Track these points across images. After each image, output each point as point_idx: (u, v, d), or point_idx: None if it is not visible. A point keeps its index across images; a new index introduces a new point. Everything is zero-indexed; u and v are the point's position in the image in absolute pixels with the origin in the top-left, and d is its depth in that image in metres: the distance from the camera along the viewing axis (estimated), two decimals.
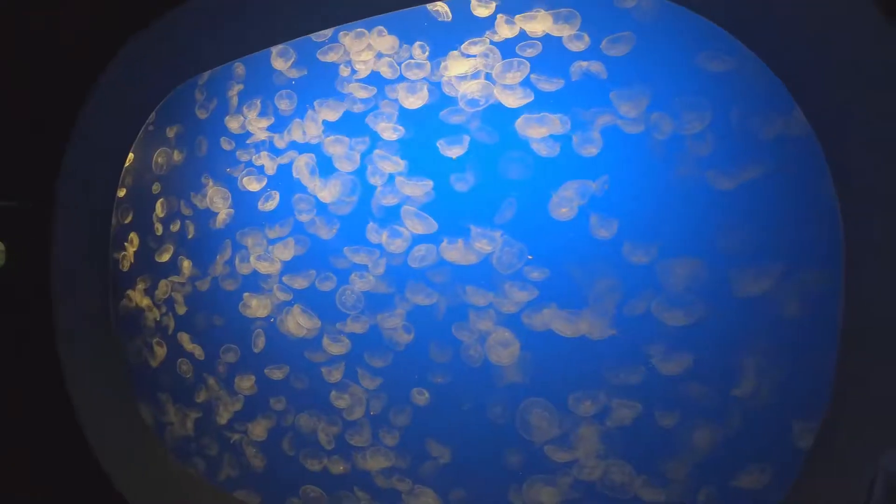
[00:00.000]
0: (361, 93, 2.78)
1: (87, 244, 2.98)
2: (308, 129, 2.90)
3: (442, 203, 2.57)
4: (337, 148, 2.82)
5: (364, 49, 2.78)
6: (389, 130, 2.71)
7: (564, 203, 2.30)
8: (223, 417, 2.91)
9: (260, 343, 2.88)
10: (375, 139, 2.73)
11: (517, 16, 2.46)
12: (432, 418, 2.56)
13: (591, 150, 2.32)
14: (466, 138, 2.48)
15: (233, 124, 3.08)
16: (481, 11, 2.52)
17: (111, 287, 3.03)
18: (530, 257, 2.38)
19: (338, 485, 2.71)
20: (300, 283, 2.84)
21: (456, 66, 2.55)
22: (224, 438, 2.94)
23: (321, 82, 2.89)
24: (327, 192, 2.81)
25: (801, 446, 2.11)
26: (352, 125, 2.80)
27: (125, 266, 3.16)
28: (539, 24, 2.42)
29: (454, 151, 2.48)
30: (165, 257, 3.07)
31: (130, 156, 3.12)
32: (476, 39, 2.53)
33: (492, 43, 2.50)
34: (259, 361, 2.91)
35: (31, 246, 2.74)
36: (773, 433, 2.17)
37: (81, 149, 2.79)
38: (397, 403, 2.65)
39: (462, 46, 2.56)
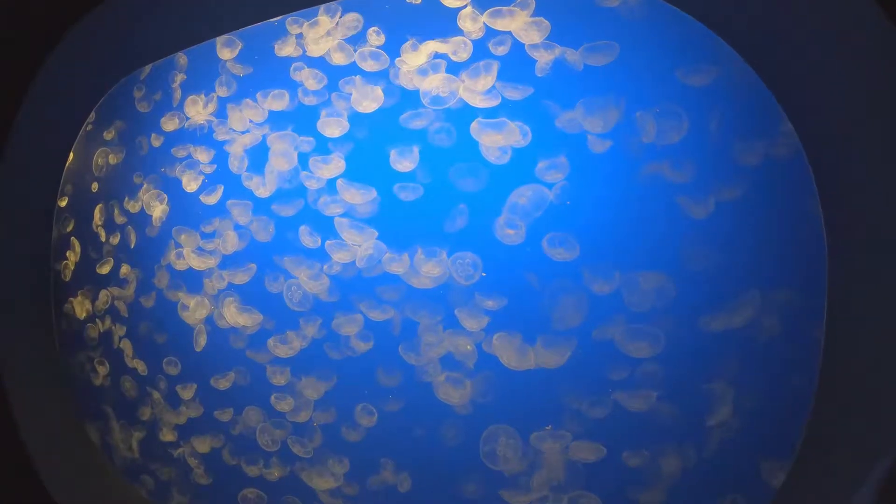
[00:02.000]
0: (312, 84, 2.55)
1: (26, 255, 2.83)
2: (251, 124, 2.69)
3: (386, 213, 2.38)
4: (279, 144, 2.60)
5: (317, 37, 2.54)
6: (337, 128, 2.49)
7: (520, 221, 2.11)
8: (167, 434, 2.78)
9: (202, 343, 2.72)
10: (320, 137, 2.52)
11: (488, 10, 2.22)
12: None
13: (555, 167, 2.12)
14: (417, 149, 2.26)
15: (174, 119, 2.86)
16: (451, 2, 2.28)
17: (52, 299, 2.88)
18: (484, 274, 2.21)
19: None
20: (241, 278, 2.66)
21: (414, 59, 2.32)
22: (170, 455, 2.81)
23: (269, 73, 2.66)
24: (265, 189, 2.61)
25: (772, 484, 1.98)
26: (299, 120, 2.58)
27: (67, 276, 2.98)
28: (511, 22, 2.18)
29: (404, 165, 2.27)
30: (106, 269, 2.89)
31: (70, 157, 2.93)
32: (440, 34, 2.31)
33: (459, 36, 2.28)
34: (202, 370, 2.75)
35: None
36: (742, 468, 2.03)
37: (17, 152, 2.60)
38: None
39: (424, 39, 2.33)
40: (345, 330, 2.42)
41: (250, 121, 2.67)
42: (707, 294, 2.02)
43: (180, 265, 2.78)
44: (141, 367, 2.83)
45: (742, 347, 2.00)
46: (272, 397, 2.56)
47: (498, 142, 2.14)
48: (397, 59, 2.35)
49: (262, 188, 2.60)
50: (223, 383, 2.64)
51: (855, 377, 1.88)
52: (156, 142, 2.89)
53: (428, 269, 2.18)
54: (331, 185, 2.44)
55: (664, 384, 2.04)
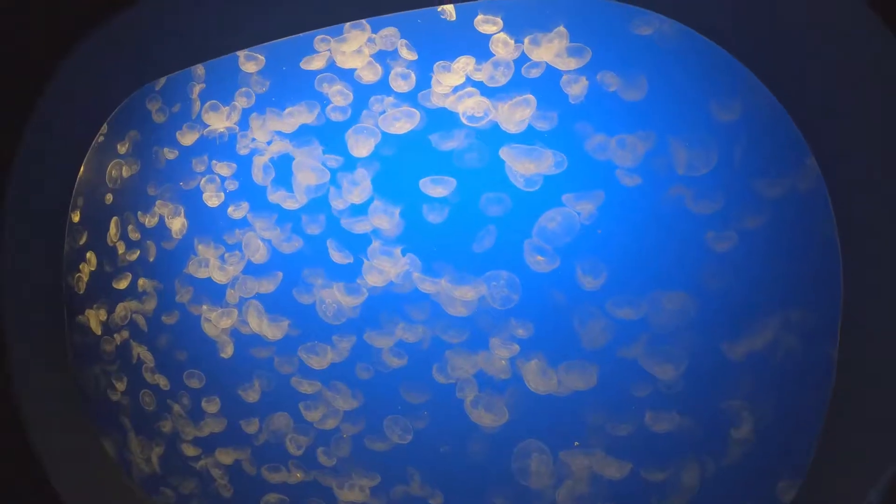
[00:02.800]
0: (339, 100, 2.55)
1: (38, 267, 2.79)
2: (275, 136, 2.68)
3: (414, 235, 2.41)
4: (305, 159, 2.61)
5: (347, 51, 2.53)
6: (365, 147, 2.50)
7: (548, 246, 2.17)
8: (189, 448, 2.79)
9: (229, 352, 2.72)
10: (348, 155, 2.53)
11: (526, 37, 2.24)
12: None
13: (585, 197, 2.18)
14: (453, 182, 2.30)
15: (193, 131, 2.84)
16: (487, 28, 2.30)
17: (66, 313, 2.85)
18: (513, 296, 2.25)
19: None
20: (266, 287, 2.68)
21: (448, 79, 2.34)
22: (191, 468, 2.82)
23: (294, 86, 2.66)
24: (293, 202, 2.62)
25: (784, 500, 2.09)
26: (325, 136, 2.59)
27: (80, 289, 2.95)
28: (546, 51, 2.21)
29: (438, 191, 2.30)
30: (124, 283, 2.87)
31: (82, 169, 2.88)
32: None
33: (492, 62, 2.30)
34: (226, 382, 2.77)
35: None
36: (757, 484, 2.14)
37: (27, 163, 2.56)
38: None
39: (456, 60, 2.35)
40: (378, 343, 2.46)
41: (275, 132, 2.66)
42: (728, 317, 2.11)
43: (201, 276, 2.77)
44: (162, 381, 2.83)
45: (760, 366, 2.10)
46: (300, 405, 2.59)
47: (530, 169, 2.19)
48: (430, 78, 2.37)
49: (289, 201, 2.60)
50: (252, 395, 2.66)
51: (867, 395, 1.99)
52: (173, 154, 2.87)
53: (462, 294, 2.22)
54: (359, 206, 2.47)
55: (685, 403, 2.13)
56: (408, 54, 2.44)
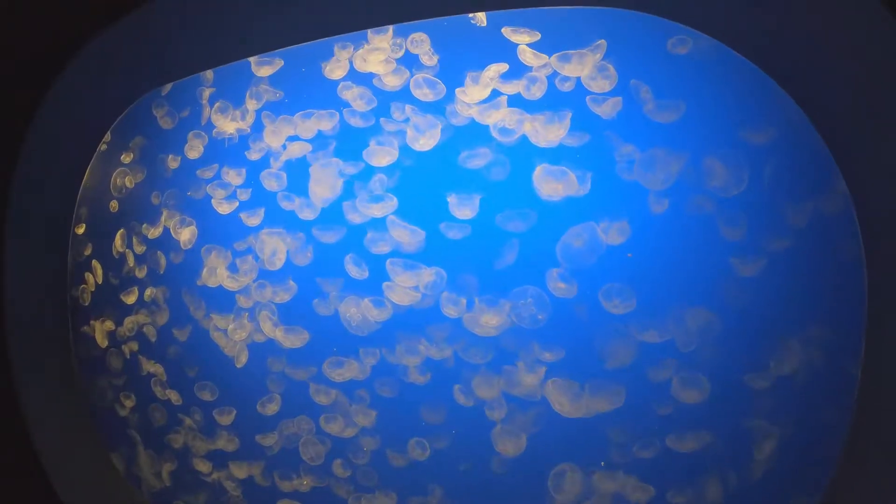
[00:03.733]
0: (360, 105, 2.47)
1: (41, 279, 2.71)
2: (290, 142, 2.60)
3: (434, 251, 2.37)
4: (321, 166, 2.55)
5: (368, 56, 2.45)
6: (385, 156, 2.44)
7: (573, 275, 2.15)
8: (200, 463, 2.75)
9: (242, 360, 2.67)
10: (367, 165, 2.47)
11: (556, 54, 2.19)
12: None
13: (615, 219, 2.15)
14: (477, 198, 2.25)
15: (203, 137, 2.76)
16: (519, 38, 2.24)
17: (70, 326, 2.77)
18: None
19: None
20: (281, 296, 2.63)
21: (476, 91, 2.28)
22: (203, 482, 2.79)
23: (311, 90, 2.59)
24: (309, 212, 2.56)
25: None
26: (342, 144, 2.53)
27: (85, 301, 2.87)
28: (580, 68, 2.17)
29: (464, 213, 2.25)
30: (132, 298, 2.80)
31: (86, 177, 2.79)
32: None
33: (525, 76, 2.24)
34: (240, 395, 2.73)
35: None
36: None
37: (29, 171, 2.48)
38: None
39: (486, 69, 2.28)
40: (404, 361, 2.43)
41: (290, 137, 2.60)
42: (753, 337, 2.11)
43: (212, 285, 2.71)
44: (174, 395, 2.77)
45: (783, 385, 2.10)
46: (321, 419, 2.57)
47: (557, 190, 2.15)
48: (457, 88, 2.31)
49: (306, 210, 2.55)
50: (271, 408, 2.61)
51: (889, 414, 2.01)
52: (179, 161, 2.78)
53: (487, 320, 2.19)
54: (379, 221, 2.42)
55: (710, 424, 2.14)
56: (432, 61, 2.36)
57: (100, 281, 2.86)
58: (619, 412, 2.16)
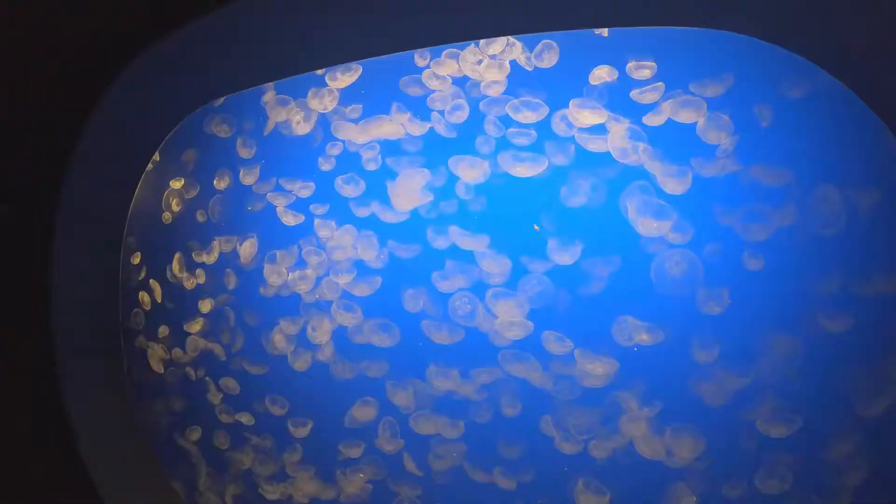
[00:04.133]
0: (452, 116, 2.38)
1: (94, 300, 2.59)
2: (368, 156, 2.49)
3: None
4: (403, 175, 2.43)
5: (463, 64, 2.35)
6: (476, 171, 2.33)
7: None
8: (267, 486, 2.69)
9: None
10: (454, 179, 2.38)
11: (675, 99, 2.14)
12: None
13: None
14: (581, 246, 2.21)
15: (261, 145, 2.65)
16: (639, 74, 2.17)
17: (124, 352, 2.66)
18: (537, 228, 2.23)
19: None
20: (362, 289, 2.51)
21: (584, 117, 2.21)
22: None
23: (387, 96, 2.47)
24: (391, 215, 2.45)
25: None
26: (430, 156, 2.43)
27: (141, 325, 2.75)
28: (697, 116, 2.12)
29: (564, 258, 2.22)
30: (196, 327, 2.69)
31: (135, 196, 2.65)
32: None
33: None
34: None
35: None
36: None
37: (80, 186, 2.35)
38: None
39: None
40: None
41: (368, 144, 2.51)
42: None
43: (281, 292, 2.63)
44: (246, 417, 2.69)
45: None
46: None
47: (651, 228, 2.14)
48: (562, 110, 2.24)
49: (388, 213, 2.46)
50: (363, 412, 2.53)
51: None
52: (240, 174, 2.67)
53: (594, 368, 2.18)
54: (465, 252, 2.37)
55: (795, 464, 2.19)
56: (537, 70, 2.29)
57: (159, 300, 2.74)
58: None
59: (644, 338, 2.11)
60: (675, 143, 2.17)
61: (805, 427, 2.12)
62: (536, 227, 2.22)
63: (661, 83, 2.16)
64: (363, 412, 2.50)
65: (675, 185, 2.11)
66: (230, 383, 2.69)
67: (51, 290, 2.37)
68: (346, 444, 2.54)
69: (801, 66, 2.02)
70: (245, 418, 2.65)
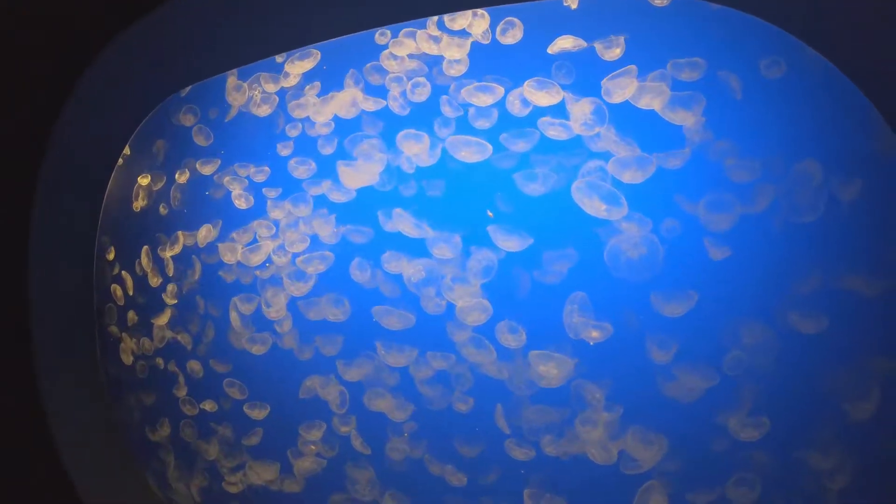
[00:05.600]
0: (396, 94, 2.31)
1: (68, 291, 2.60)
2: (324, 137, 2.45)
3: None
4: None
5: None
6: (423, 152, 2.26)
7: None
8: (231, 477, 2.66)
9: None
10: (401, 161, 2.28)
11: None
12: None
13: None
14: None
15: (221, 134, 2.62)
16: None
17: (98, 344, 2.67)
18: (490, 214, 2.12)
19: None
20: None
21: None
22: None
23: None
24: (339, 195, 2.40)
25: None
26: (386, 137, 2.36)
27: (113, 318, 2.76)
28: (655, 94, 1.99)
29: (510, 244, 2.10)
30: (164, 319, 2.68)
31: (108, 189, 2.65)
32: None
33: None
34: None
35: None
36: None
37: (52, 182, 2.33)
38: None
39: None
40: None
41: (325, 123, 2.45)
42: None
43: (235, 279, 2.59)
44: (210, 405, 2.66)
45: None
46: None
47: (605, 212, 1.99)
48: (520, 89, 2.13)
49: (335, 193, 2.41)
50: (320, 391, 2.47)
51: None
52: (202, 164, 2.65)
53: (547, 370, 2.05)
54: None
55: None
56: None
57: (131, 292, 2.74)
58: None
59: (595, 335, 1.97)
60: (639, 125, 2.03)
61: (778, 429, 1.95)
62: (490, 214, 2.11)
63: (632, 66, 2.04)
64: (320, 391, 2.46)
65: (635, 172, 1.96)
66: (195, 367, 2.68)
67: (28, 287, 2.38)
68: (303, 426, 2.50)
69: (781, 42, 1.87)
70: (209, 405, 2.63)
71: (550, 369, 1.98)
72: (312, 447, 2.47)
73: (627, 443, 1.99)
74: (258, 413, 2.54)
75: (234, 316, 2.52)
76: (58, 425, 2.42)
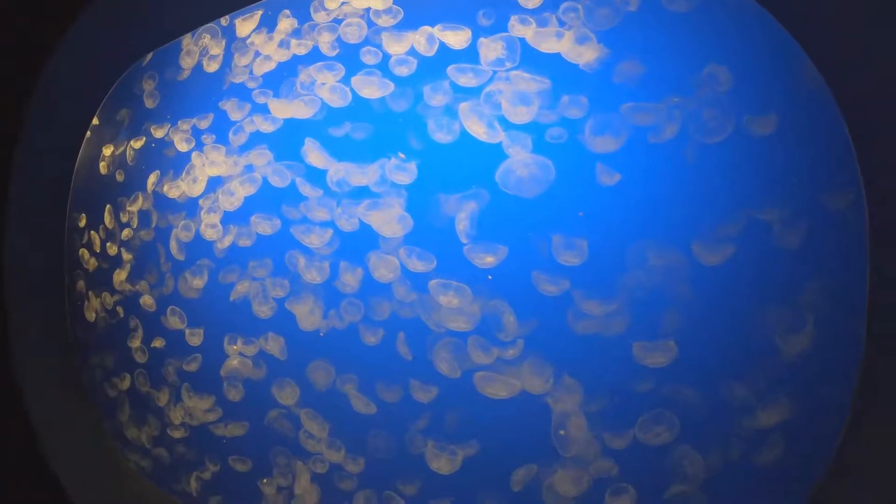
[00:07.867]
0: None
1: (37, 261, 2.75)
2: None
3: None
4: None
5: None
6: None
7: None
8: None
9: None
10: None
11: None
12: None
13: None
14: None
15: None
16: None
17: (67, 306, 2.80)
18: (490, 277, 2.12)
19: None
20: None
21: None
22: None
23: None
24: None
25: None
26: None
27: (81, 284, 2.93)
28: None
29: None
30: (123, 275, 2.83)
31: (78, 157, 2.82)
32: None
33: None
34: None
35: None
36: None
37: (28, 147, 2.49)
38: None
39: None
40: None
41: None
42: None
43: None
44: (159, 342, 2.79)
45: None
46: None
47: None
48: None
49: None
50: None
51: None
52: (162, 129, 2.82)
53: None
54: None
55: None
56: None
57: (97, 250, 2.91)
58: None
59: (490, 260, 1.96)
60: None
61: (688, 359, 1.87)
62: (402, 155, 2.15)
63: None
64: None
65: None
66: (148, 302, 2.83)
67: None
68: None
69: None
70: (158, 342, 2.76)
71: (451, 299, 1.98)
72: (234, 347, 2.56)
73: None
74: (195, 340, 2.66)
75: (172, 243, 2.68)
76: (30, 392, 2.55)
